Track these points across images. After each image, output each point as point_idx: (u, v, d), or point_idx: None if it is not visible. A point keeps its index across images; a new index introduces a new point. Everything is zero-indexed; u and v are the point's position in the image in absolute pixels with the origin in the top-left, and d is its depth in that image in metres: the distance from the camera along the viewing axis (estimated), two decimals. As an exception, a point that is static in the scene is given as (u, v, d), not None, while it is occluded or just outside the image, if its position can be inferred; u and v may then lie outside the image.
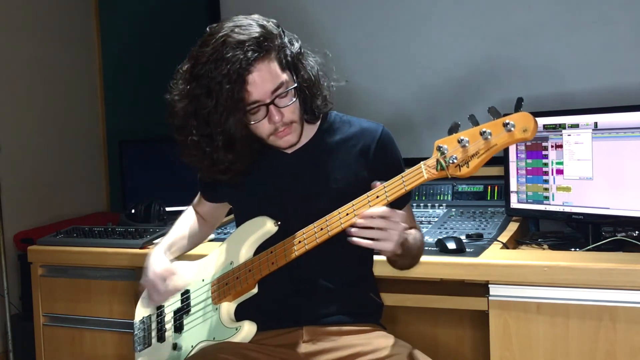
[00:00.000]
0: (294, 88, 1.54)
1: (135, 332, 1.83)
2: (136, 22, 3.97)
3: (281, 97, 1.52)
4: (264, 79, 1.49)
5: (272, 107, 1.51)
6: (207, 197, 1.85)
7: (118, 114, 3.81)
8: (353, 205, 1.48)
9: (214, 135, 1.53)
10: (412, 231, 1.62)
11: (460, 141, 1.36)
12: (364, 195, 1.46)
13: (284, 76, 1.52)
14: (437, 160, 1.38)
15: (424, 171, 1.40)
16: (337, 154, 1.65)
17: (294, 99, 1.55)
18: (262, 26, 1.51)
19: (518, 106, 1.34)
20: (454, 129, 1.38)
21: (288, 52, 1.55)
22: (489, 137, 1.33)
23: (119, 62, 3.83)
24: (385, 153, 1.65)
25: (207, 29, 1.55)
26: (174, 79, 1.60)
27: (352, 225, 1.45)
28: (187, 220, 1.89)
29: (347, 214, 1.48)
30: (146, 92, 3.61)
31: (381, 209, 1.43)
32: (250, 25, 1.50)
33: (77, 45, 3.63)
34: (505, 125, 1.32)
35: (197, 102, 1.52)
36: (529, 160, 2.17)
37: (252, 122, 1.53)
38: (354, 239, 1.43)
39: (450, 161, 1.36)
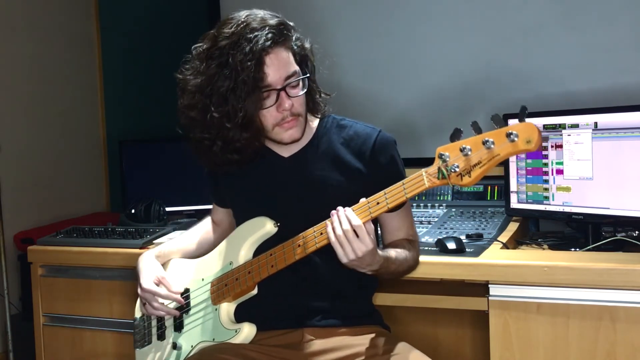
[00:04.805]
0: (306, 78, 1.57)
1: (136, 330, 1.83)
2: (136, 22, 3.97)
3: (292, 86, 1.55)
4: (280, 63, 1.52)
5: (282, 93, 1.53)
6: (218, 202, 1.87)
7: (118, 114, 3.81)
8: (353, 210, 1.47)
9: (232, 113, 1.53)
10: (400, 256, 1.60)
11: (462, 149, 1.32)
12: (365, 201, 1.45)
13: (297, 67, 1.56)
14: (439, 169, 1.36)
15: (425, 179, 1.39)
16: (334, 157, 1.65)
17: (303, 91, 1.57)
18: (279, 18, 1.56)
19: (522, 115, 1.29)
20: (455, 136, 1.35)
21: (301, 45, 1.59)
22: (492, 146, 1.29)
23: (119, 62, 3.82)
24: (381, 158, 1.64)
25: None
26: (188, 59, 1.60)
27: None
28: (197, 228, 1.92)
29: None
30: (146, 92, 3.63)
31: (358, 222, 1.42)
32: (268, 15, 1.55)
33: (77, 45, 3.63)
34: (508, 135, 1.27)
35: (216, 78, 1.52)
36: (529, 160, 2.17)
37: (262, 108, 1.54)
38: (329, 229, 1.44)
39: (452, 170, 1.34)
